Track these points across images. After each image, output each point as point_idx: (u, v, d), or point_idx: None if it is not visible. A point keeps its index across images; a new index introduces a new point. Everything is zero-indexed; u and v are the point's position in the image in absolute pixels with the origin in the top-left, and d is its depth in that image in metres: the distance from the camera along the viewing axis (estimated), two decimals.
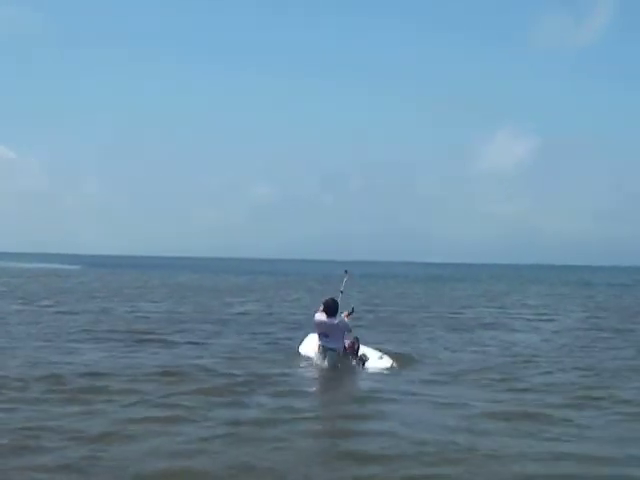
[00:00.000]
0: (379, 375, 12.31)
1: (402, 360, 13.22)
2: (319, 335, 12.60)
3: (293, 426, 8.33)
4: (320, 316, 12.42)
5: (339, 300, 12.70)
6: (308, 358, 13.17)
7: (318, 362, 12.50)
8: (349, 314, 13.00)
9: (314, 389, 11.69)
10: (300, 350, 14.09)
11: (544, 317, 25.24)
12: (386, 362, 12.78)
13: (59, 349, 14.21)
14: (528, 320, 23.99)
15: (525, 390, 10.87)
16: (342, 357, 12.49)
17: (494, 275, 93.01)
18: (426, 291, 45.87)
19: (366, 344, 13.36)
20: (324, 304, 12.40)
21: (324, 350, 12.40)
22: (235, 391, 10.27)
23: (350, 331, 12.77)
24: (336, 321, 12.31)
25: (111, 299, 29.29)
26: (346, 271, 14.36)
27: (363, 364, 12.62)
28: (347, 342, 12.70)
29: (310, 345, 13.49)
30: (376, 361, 12.75)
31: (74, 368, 11.81)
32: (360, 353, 12.80)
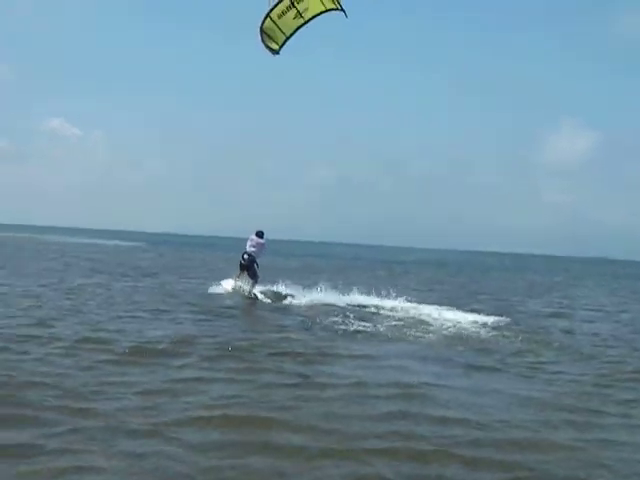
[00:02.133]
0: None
1: None
2: (248, 245, 20.53)
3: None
4: (252, 236, 20.71)
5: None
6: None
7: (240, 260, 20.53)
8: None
9: None
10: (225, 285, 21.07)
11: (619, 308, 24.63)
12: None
13: (141, 319, 14.53)
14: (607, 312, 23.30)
15: None
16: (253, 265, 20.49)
17: (553, 266, 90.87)
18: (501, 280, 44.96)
19: None
20: (256, 232, 20.75)
21: (245, 253, 20.44)
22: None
23: (264, 254, 21.18)
24: (262, 241, 20.69)
25: (185, 274, 29.71)
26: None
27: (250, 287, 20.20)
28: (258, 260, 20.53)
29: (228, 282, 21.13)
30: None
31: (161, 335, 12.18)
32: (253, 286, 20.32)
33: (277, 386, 8.96)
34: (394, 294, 20.19)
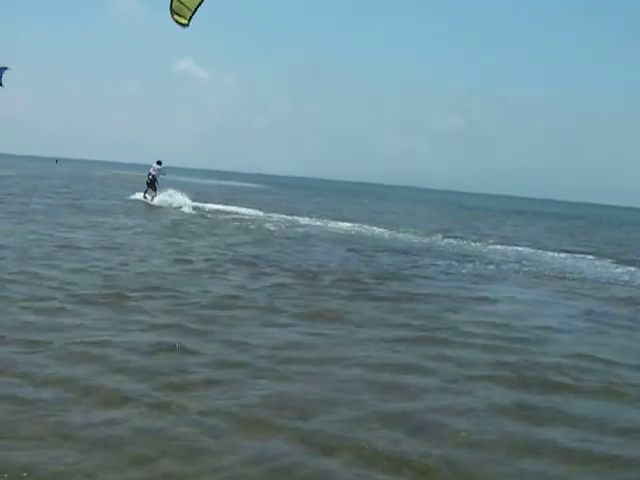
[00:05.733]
0: None
1: None
2: (150, 170, 30.53)
3: None
4: (154, 164, 30.43)
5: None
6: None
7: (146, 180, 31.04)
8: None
9: None
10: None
11: None
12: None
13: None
14: None
15: None
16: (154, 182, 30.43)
17: None
18: None
19: None
20: (157, 161, 30.64)
21: (150, 175, 30.47)
22: None
23: (164, 174, 31.19)
24: (159, 167, 30.44)
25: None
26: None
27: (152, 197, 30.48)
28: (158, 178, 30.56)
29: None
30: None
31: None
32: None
33: None
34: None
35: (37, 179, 48.03)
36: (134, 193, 32.69)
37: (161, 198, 30.31)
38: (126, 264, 12.25)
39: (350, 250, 17.83)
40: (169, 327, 7.95)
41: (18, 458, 4.40)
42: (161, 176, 31.04)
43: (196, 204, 30.29)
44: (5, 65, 29.05)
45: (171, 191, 30.98)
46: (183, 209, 27.50)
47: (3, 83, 28.80)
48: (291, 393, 6.06)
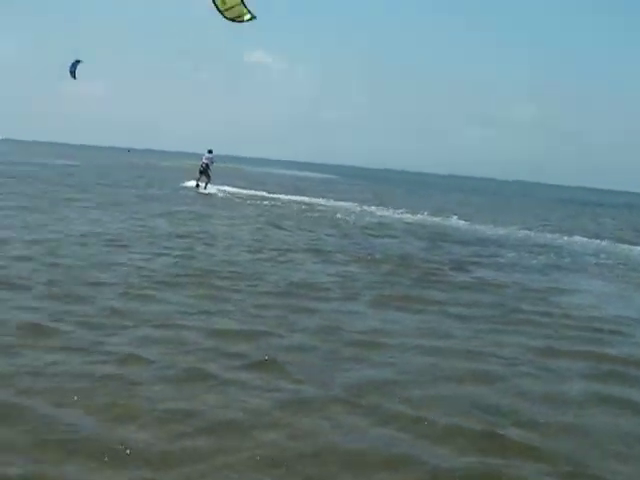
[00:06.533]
0: None
1: None
2: (202, 159, 31.49)
3: None
4: (206, 153, 31.35)
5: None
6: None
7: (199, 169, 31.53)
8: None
9: None
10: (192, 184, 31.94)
11: None
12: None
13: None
14: None
15: None
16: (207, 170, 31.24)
17: None
18: None
19: None
20: (208, 150, 31.44)
21: (202, 162, 31.28)
22: None
23: (213, 163, 31.49)
24: (211, 156, 31.29)
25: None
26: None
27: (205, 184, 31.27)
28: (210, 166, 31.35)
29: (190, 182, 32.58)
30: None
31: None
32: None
33: None
34: None
35: (110, 168, 49.61)
36: (195, 182, 32.62)
37: (224, 189, 31.20)
38: (212, 253, 12.61)
39: (424, 239, 17.80)
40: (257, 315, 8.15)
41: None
42: (214, 164, 31.84)
43: (267, 194, 30.87)
44: (78, 58, 30.25)
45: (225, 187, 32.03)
46: (247, 200, 27.49)
47: (77, 76, 30.07)
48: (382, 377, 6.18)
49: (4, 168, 37.09)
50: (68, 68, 29.76)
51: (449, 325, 8.38)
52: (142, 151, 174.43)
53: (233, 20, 15.77)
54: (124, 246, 12.32)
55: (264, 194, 31.17)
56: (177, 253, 12.03)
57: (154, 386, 5.47)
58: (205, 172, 31.41)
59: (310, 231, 17.52)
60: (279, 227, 17.99)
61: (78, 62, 30.07)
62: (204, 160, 31.38)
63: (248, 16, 15.67)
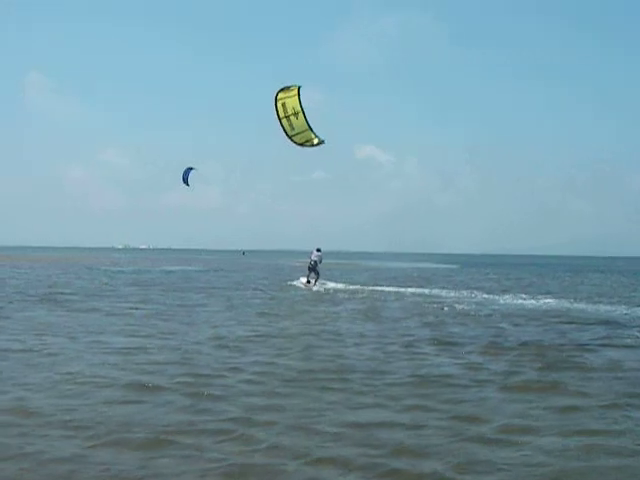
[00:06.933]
0: None
1: None
2: (311, 256, 32.54)
3: None
4: (314, 251, 32.30)
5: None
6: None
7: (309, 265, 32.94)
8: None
9: None
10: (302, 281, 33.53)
11: None
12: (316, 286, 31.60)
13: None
14: None
15: None
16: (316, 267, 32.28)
17: None
18: None
19: None
20: (317, 249, 32.25)
21: (311, 260, 32.47)
22: None
23: (321, 261, 32.67)
24: (319, 253, 32.31)
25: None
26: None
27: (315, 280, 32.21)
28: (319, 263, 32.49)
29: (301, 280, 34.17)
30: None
31: None
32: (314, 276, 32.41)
33: None
34: None
35: (233, 272, 51.74)
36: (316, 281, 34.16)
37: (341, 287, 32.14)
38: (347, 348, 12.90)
39: (552, 324, 17.38)
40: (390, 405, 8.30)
41: None
42: (321, 263, 32.90)
43: (396, 289, 31.25)
44: (192, 166, 31.82)
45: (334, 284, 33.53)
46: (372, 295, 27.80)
47: (190, 183, 31.50)
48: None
49: (127, 277, 39.77)
50: (182, 175, 30.43)
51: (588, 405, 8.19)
52: (255, 252, 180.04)
53: (302, 145, 16.68)
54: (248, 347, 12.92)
55: (383, 288, 31.50)
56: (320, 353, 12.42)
57: None
58: (314, 269, 32.36)
59: (433, 323, 17.58)
60: (400, 319, 18.13)
61: (191, 169, 31.64)
62: (313, 257, 32.37)
63: (316, 140, 16.59)
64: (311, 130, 16.47)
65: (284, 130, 16.60)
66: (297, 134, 16.65)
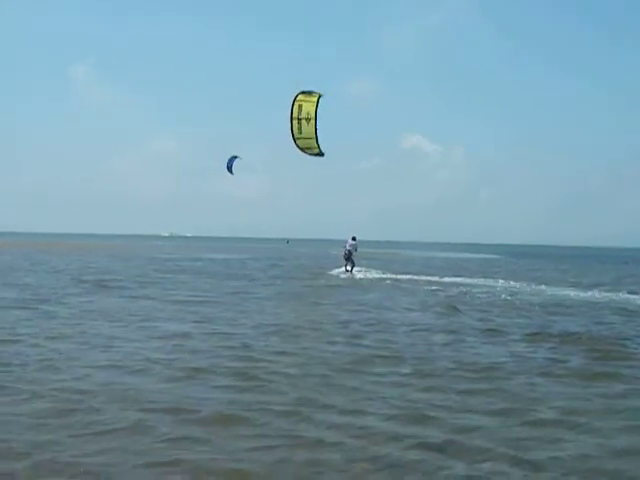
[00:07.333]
0: None
1: None
2: (346, 245, 32.73)
3: None
4: (349, 240, 32.49)
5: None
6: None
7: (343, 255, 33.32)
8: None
9: None
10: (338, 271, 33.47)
11: None
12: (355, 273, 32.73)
13: None
14: None
15: None
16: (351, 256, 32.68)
17: None
18: None
19: None
20: (352, 237, 32.46)
21: (346, 249, 32.82)
22: None
23: (356, 250, 32.97)
24: (354, 242, 32.59)
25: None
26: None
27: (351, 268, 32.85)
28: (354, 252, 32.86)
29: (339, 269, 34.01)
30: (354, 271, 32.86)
31: None
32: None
33: None
34: None
35: (279, 260, 52.23)
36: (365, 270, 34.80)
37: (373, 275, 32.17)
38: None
39: (596, 315, 17.15)
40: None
41: None
42: (356, 251, 33.07)
43: (433, 277, 31.22)
44: (236, 154, 31.96)
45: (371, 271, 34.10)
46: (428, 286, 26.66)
47: (234, 171, 31.63)
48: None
49: (175, 264, 40.35)
50: (226, 163, 31.39)
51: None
52: (299, 240, 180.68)
53: (303, 150, 17.24)
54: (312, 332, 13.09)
55: (429, 278, 31.10)
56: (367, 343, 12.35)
57: None
58: (349, 258, 32.81)
59: (482, 311, 17.55)
60: (453, 309, 18.09)
61: (235, 157, 31.71)
62: (347, 247, 32.76)
63: (317, 151, 17.24)
64: (316, 140, 17.11)
65: (292, 131, 17.19)
66: (302, 139, 17.33)
